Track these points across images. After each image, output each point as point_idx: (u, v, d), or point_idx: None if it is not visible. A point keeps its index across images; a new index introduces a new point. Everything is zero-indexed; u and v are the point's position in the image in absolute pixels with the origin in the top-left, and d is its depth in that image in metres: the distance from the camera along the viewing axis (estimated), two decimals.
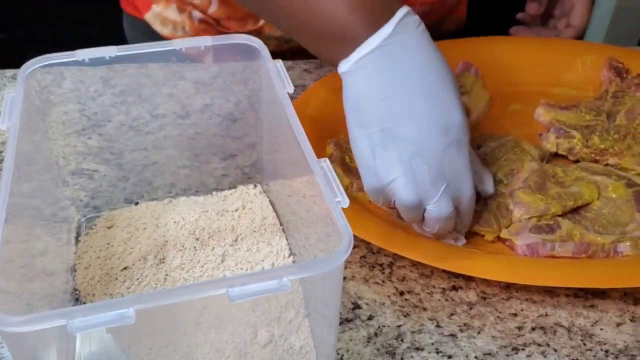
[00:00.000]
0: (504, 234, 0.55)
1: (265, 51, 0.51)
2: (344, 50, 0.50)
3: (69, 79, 0.59)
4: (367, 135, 0.49)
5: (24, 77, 0.49)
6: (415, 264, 0.54)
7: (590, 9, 0.79)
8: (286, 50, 0.79)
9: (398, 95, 0.48)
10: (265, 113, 0.57)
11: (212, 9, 0.77)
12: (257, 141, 0.62)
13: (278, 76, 0.49)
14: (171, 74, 0.64)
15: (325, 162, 0.40)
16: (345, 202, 0.37)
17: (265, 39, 0.53)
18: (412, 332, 0.49)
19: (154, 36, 0.83)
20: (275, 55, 0.51)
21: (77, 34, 1.65)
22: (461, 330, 0.49)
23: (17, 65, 0.79)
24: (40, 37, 1.71)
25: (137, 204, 0.59)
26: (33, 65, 0.50)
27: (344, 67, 0.51)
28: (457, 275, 0.53)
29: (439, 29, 0.84)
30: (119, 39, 0.97)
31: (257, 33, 0.77)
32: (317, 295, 0.40)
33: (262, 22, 0.77)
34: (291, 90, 0.48)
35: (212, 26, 0.79)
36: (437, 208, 0.48)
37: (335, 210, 0.36)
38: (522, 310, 0.51)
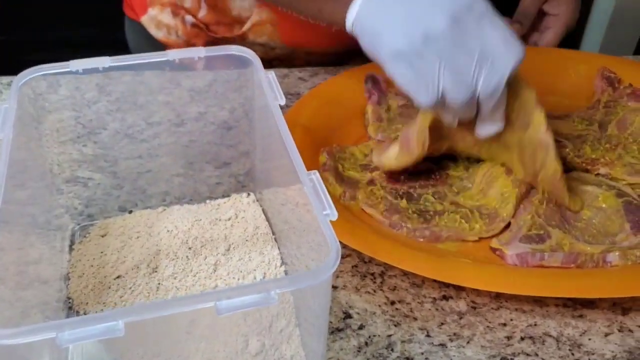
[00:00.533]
0: (494, 243, 0.55)
1: (257, 62, 0.52)
2: (346, 2, 0.52)
3: (64, 85, 0.60)
4: (399, 53, 0.49)
5: (17, 88, 0.49)
6: (406, 274, 0.54)
7: (561, 38, 0.79)
8: (273, 58, 0.80)
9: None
10: (257, 122, 0.58)
11: (202, 14, 0.78)
12: (251, 150, 0.63)
13: (270, 87, 0.49)
14: (167, 81, 0.64)
15: (315, 175, 0.40)
16: (334, 215, 0.38)
17: (250, 45, 0.54)
18: (403, 341, 0.49)
19: (152, 39, 0.83)
20: (262, 62, 0.52)
21: (78, 35, 1.65)
22: (451, 340, 0.49)
23: (15, 68, 0.79)
24: (40, 38, 1.71)
25: (130, 212, 0.59)
26: (27, 75, 0.50)
27: (352, 14, 0.52)
28: (448, 285, 0.53)
29: None
30: (118, 42, 0.97)
31: (242, 39, 0.78)
32: (307, 305, 0.40)
33: (246, 27, 0.78)
34: (282, 102, 0.48)
35: (202, 30, 0.80)
36: (486, 86, 0.49)
37: (323, 223, 0.37)
38: (511, 320, 0.51)
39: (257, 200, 0.60)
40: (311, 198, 0.39)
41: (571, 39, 1.51)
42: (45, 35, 1.73)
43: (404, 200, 0.58)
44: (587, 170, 0.63)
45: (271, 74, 0.51)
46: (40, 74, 0.51)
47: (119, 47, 0.93)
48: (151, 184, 0.62)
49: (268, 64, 0.64)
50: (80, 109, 0.64)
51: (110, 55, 0.53)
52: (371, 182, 0.60)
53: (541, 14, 0.79)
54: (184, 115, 0.67)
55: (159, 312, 0.32)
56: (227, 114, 0.69)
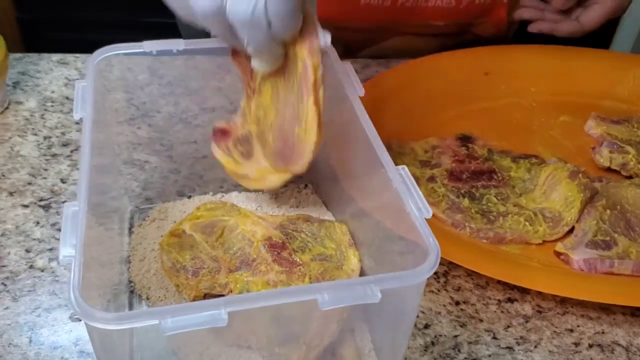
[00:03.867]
0: (559, 247, 0.55)
1: (332, 52, 0.51)
2: None
3: (116, 66, 0.59)
4: None
5: (93, 66, 0.48)
6: (469, 274, 0.53)
7: (605, 18, 0.73)
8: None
9: None
10: (325, 114, 0.56)
11: None
12: None
13: (347, 78, 0.48)
14: (217, 67, 0.63)
15: (404, 170, 0.40)
16: (429, 213, 0.37)
17: None
18: (469, 342, 0.48)
19: None
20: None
21: (105, 16, 1.64)
22: (518, 344, 0.49)
23: (38, 46, 0.78)
24: (60, 18, 1.70)
25: (189, 197, 0.58)
26: (101, 54, 0.50)
27: None
28: (512, 287, 0.52)
29: (477, 33, 0.81)
30: (140, 24, 0.95)
31: None
32: (392, 305, 0.39)
33: None
34: (362, 93, 0.47)
35: None
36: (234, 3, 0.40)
37: (418, 221, 0.36)
38: (578, 326, 0.50)
39: (315, 193, 0.60)
40: (402, 194, 0.38)
41: (602, 39, 1.48)
42: (70, 15, 1.71)
43: (466, 200, 0.58)
44: None
45: (348, 64, 0.50)
46: (113, 53, 0.50)
47: (148, 29, 0.91)
48: (208, 170, 0.61)
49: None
50: (133, 90, 0.63)
51: (138, 37, 0.52)
52: (431, 179, 0.60)
53: None
54: (236, 103, 0.66)
55: (263, 302, 0.31)
56: None
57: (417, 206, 0.37)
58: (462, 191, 0.58)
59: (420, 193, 0.38)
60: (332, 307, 0.31)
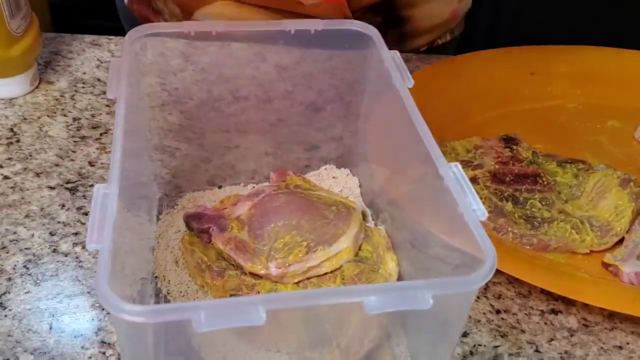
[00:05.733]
0: (608, 259, 0.52)
1: (379, 40, 0.48)
2: None
3: (150, 49, 0.57)
4: None
5: (129, 45, 0.46)
6: (511, 282, 0.50)
7: None
8: None
9: None
10: (366, 106, 0.54)
11: None
12: (345, 134, 0.60)
13: (395, 68, 0.45)
14: (253, 55, 0.61)
15: (457, 167, 0.37)
16: (484, 215, 0.34)
17: None
18: (510, 354, 0.46)
19: None
20: None
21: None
22: (562, 358, 0.46)
23: (70, 32, 0.77)
24: (93, 4, 1.69)
25: (220, 187, 0.56)
26: (138, 33, 0.48)
27: None
28: (556, 298, 0.49)
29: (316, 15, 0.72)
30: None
31: None
32: (438, 313, 0.37)
33: None
34: (411, 84, 0.45)
35: None
36: None
37: (472, 222, 0.33)
38: (627, 343, 0.47)
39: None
40: (455, 193, 0.35)
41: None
42: (102, 2, 1.71)
43: (509, 204, 0.55)
44: None
45: (395, 53, 0.47)
46: (151, 32, 0.48)
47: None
48: (240, 161, 0.59)
49: None
50: (165, 76, 0.61)
51: None
52: (473, 180, 0.57)
53: None
54: (270, 92, 0.64)
55: (304, 302, 0.29)
56: (315, 95, 0.66)
57: (471, 207, 0.34)
58: (506, 194, 0.55)
59: (475, 193, 0.35)
60: (379, 312, 0.29)
